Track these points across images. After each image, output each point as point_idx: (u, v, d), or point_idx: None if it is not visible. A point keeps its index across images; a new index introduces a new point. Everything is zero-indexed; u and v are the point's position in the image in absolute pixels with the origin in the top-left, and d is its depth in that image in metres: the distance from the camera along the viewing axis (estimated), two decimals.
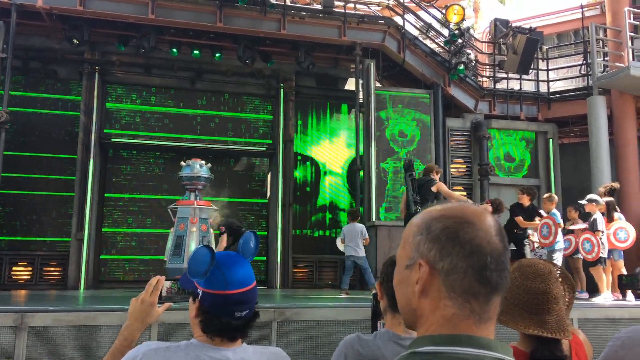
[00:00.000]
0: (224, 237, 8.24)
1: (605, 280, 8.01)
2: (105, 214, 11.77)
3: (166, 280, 6.37)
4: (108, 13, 10.51)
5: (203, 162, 8.22)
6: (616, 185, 9.18)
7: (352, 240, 8.41)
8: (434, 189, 7.39)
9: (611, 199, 8.52)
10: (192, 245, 7.66)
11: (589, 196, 8.36)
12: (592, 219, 8.04)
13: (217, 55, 11.73)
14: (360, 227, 8.56)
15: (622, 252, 8.19)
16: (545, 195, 8.50)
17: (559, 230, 7.91)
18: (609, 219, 8.25)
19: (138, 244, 11.79)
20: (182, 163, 8.23)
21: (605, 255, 7.96)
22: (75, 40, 10.66)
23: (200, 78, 12.24)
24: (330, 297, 8.43)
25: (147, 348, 1.62)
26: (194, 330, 1.66)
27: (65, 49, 11.22)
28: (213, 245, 8.03)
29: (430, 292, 0.98)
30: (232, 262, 1.65)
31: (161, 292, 1.96)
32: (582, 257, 8.34)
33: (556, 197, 8.27)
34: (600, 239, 7.86)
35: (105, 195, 11.81)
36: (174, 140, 12.03)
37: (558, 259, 7.92)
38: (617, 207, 8.63)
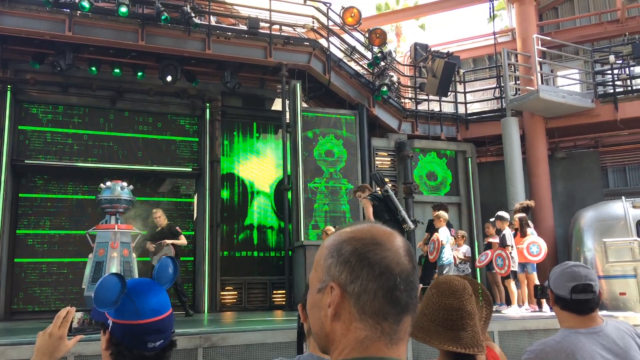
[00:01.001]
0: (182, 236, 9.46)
1: (516, 292, 8.46)
2: (18, 242, 11.01)
3: (82, 310, 6.04)
4: (22, 29, 9.99)
5: (124, 183, 7.89)
6: (531, 203, 9.69)
7: None
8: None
9: (524, 215, 9.01)
10: (113, 271, 7.31)
11: (497, 213, 8.82)
12: (501, 235, 8.49)
13: (140, 74, 11.39)
14: None
15: (535, 265, 8.65)
16: (435, 213, 8.67)
17: (441, 247, 8.15)
18: (522, 234, 8.72)
19: (55, 272, 11.11)
20: (102, 185, 7.88)
21: (516, 269, 8.39)
22: None
23: (122, 97, 11.84)
24: (258, 319, 8.31)
25: None
26: None
27: None
28: (136, 271, 7.73)
29: (342, 315, 0.98)
30: (145, 290, 1.59)
31: (72, 323, 1.85)
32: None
33: (445, 215, 8.49)
34: (510, 253, 8.30)
35: (19, 221, 11.08)
36: (94, 162, 11.52)
37: (449, 272, 8.15)
38: (529, 222, 9.13)
